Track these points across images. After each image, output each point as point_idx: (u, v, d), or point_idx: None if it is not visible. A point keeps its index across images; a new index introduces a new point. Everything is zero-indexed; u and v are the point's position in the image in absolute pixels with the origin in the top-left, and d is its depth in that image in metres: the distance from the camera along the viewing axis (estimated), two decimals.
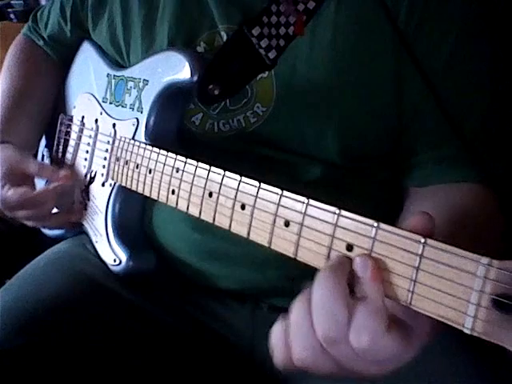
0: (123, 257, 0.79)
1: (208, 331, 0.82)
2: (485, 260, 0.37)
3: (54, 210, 0.88)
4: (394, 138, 0.72)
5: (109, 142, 0.83)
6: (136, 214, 0.82)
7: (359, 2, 0.67)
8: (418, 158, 0.71)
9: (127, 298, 0.82)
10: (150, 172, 0.71)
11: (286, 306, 0.78)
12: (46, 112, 1.00)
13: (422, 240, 0.41)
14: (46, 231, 0.99)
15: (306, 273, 0.47)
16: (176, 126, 0.77)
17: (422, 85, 0.67)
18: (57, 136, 0.96)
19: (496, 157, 0.69)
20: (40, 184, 0.91)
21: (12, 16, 1.31)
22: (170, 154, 0.68)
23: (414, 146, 0.71)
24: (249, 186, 0.56)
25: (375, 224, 0.44)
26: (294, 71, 0.70)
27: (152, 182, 0.71)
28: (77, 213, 0.88)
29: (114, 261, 0.80)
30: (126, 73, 0.83)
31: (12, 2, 1.31)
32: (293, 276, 0.71)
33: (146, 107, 0.77)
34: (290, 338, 0.45)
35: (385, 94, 0.69)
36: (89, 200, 0.87)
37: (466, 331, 0.38)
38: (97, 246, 0.84)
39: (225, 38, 0.74)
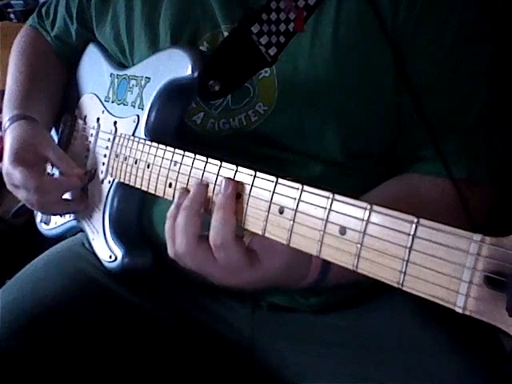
0: (119, 253, 0.79)
1: (208, 330, 0.81)
2: (477, 237, 0.37)
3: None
4: (395, 135, 0.72)
5: (109, 139, 0.83)
6: (134, 212, 0.82)
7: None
8: (420, 154, 0.71)
9: (127, 298, 0.81)
10: (148, 166, 0.71)
11: (285, 305, 0.79)
12: (59, 97, 0.99)
13: (415, 220, 0.40)
14: (45, 232, 0.99)
15: None
16: (176, 124, 0.77)
17: (420, 81, 0.67)
18: (59, 136, 0.97)
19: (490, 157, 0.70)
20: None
21: (12, 16, 1.31)
22: (169, 148, 0.68)
23: (414, 142, 0.71)
24: (244, 175, 0.56)
25: (368, 206, 0.44)
26: (296, 69, 0.70)
27: (150, 177, 0.71)
28: (76, 205, 0.87)
29: (110, 257, 0.80)
30: (129, 72, 0.84)
31: (12, 1, 1.31)
32: None
33: (147, 104, 0.77)
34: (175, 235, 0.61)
35: (385, 91, 0.69)
36: (87, 198, 0.86)
37: (458, 310, 0.37)
38: (93, 243, 0.84)
39: None
